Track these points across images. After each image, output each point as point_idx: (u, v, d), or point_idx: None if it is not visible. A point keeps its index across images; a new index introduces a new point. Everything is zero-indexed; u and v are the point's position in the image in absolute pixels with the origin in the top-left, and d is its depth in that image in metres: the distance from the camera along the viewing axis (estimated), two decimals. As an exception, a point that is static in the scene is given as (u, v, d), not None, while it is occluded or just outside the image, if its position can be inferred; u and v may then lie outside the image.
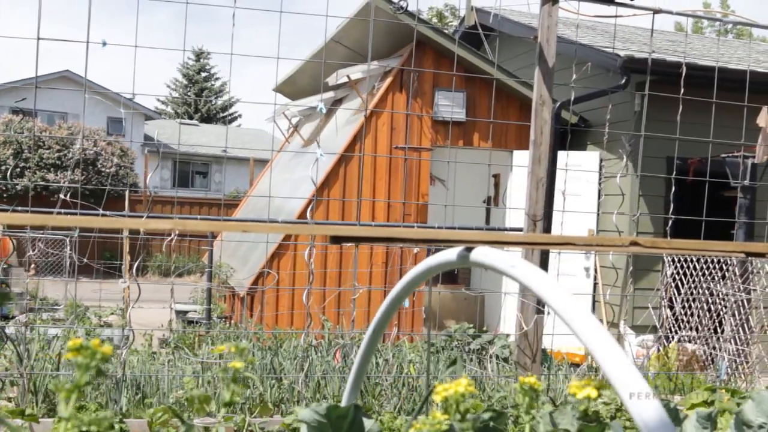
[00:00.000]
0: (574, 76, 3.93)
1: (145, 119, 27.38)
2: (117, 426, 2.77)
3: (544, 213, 7.36)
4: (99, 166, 17.90)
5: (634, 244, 1.05)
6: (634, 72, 7.81)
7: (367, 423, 1.47)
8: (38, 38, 2.86)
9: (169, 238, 3.89)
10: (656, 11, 3.72)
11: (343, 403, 1.51)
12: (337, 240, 1.09)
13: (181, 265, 18.20)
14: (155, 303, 10.95)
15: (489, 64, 8.90)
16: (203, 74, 37.96)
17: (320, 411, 1.44)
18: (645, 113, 4.47)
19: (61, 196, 3.42)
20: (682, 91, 3.99)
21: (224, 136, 29.07)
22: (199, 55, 36.64)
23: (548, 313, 3.54)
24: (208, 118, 36.45)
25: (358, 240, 1.19)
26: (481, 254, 0.99)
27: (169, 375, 3.61)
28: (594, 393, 0.84)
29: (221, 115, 37.68)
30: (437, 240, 1.06)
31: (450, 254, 1.03)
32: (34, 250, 4.80)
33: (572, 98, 4.47)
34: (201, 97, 37.21)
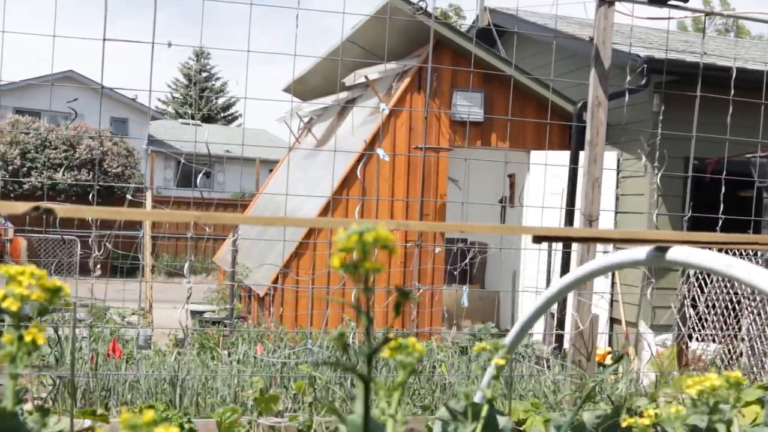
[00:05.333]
0: (629, 78, 3.96)
1: (150, 119, 27.35)
2: (187, 426, 2.78)
3: (567, 213, 7.39)
4: (105, 166, 17.89)
5: (815, 243, 1.07)
6: (654, 72, 7.84)
7: (501, 420, 1.49)
8: (104, 39, 2.88)
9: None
10: (708, 13, 3.74)
11: (477, 400, 1.52)
12: (539, 240, 1.11)
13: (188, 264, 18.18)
14: (164, 303, 10.96)
15: (507, 64, 8.93)
16: (204, 74, 37.98)
17: (457, 408, 1.46)
18: (696, 114, 4.49)
19: (129, 196, 3.43)
20: (732, 92, 4.02)
21: (227, 135, 29.08)
22: (199, 55, 36.64)
23: (613, 301, 3.54)
24: (210, 118, 36.45)
25: (558, 240, 1.21)
26: (683, 254, 1.00)
27: (223, 375, 3.62)
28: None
29: (222, 114, 37.70)
30: (632, 240, 1.07)
31: (637, 253, 1.04)
32: (100, 251, 4.80)
33: (627, 98, 4.49)
34: (203, 95, 37.20)
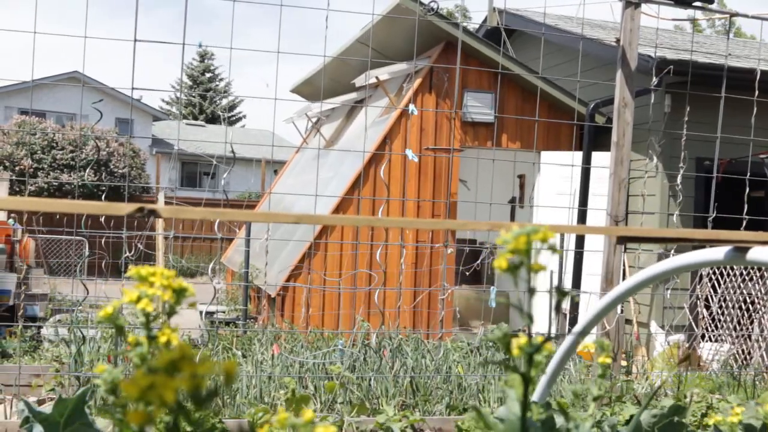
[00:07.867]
0: (655, 80, 3.97)
1: (153, 120, 27.40)
2: (219, 426, 2.78)
3: (579, 213, 7.39)
4: (111, 166, 17.92)
5: None
6: (666, 73, 7.85)
7: (558, 420, 1.50)
8: (135, 40, 2.89)
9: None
10: (733, 14, 3.75)
11: (535, 399, 1.53)
12: (623, 240, 1.12)
13: (195, 265, 18.19)
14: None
15: (517, 64, 8.95)
16: (207, 75, 38.02)
17: (513, 408, 1.47)
18: (721, 115, 4.49)
19: (159, 197, 3.44)
20: (756, 93, 4.03)
21: (230, 136, 29.09)
22: (203, 56, 36.68)
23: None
24: (213, 119, 36.50)
25: (644, 240, 1.22)
26: (767, 254, 1.01)
27: (249, 375, 3.62)
28: None
29: (226, 115, 37.74)
30: (720, 240, 1.08)
31: (715, 253, 1.05)
32: (130, 251, 4.82)
33: (653, 98, 4.49)
34: (207, 93, 37.25)
